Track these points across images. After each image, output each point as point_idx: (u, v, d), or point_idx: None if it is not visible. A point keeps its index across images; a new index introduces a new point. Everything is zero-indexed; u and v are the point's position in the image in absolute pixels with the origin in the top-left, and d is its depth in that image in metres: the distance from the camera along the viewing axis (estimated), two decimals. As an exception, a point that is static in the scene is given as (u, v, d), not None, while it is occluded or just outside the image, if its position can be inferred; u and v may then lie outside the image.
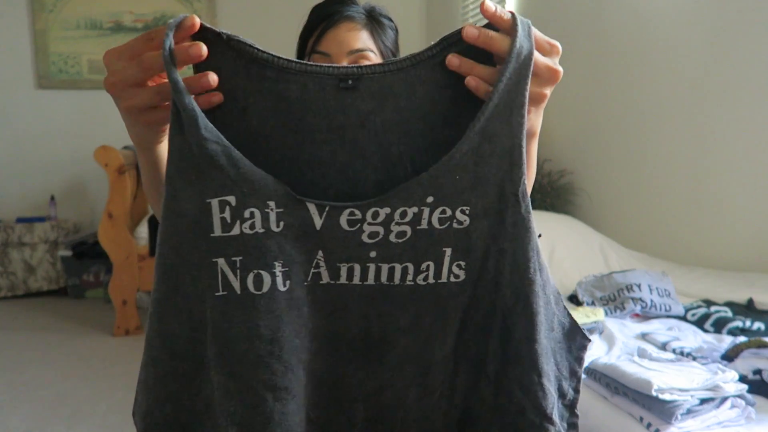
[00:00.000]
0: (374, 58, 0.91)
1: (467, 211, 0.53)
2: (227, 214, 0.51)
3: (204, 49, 0.50)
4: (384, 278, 0.54)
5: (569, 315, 0.59)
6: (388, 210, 0.52)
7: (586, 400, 1.28)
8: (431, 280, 0.55)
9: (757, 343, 1.32)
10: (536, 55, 0.53)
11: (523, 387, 0.55)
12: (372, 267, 0.54)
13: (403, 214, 0.52)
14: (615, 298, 1.94)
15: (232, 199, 0.51)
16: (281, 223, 0.52)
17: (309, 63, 0.54)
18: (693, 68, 2.37)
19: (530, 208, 0.54)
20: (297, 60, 0.54)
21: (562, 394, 0.59)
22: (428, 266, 0.54)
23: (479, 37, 0.52)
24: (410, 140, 0.55)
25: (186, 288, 0.53)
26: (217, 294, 0.52)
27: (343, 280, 0.54)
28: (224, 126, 0.53)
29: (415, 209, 0.52)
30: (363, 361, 0.56)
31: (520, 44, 0.51)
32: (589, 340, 0.60)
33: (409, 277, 0.54)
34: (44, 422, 2.24)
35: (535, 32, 0.54)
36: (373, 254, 0.53)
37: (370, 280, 0.54)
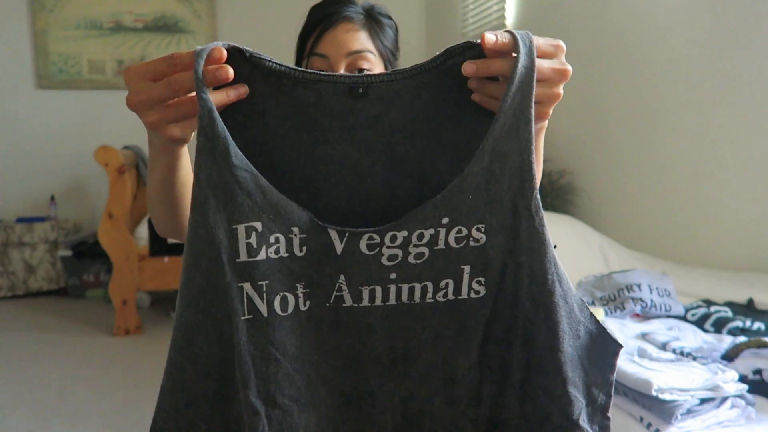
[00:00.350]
0: (373, 59, 0.90)
1: (483, 229, 0.55)
2: (253, 240, 0.53)
3: (230, 72, 0.52)
4: (405, 298, 0.56)
5: (596, 321, 0.60)
6: (405, 233, 0.54)
7: (586, 400, 1.28)
8: (451, 297, 0.57)
9: (757, 343, 1.32)
10: (539, 61, 0.54)
11: (549, 394, 0.57)
12: (393, 288, 0.56)
13: (420, 236, 0.54)
14: (615, 298, 1.94)
15: (258, 225, 0.52)
16: (304, 248, 0.54)
17: (322, 73, 0.57)
18: (693, 68, 2.38)
19: (544, 221, 0.55)
20: (311, 71, 0.57)
21: (592, 400, 0.60)
22: (447, 284, 0.56)
23: (478, 69, 0.54)
24: (416, 140, 0.58)
25: (215, 312, 0.54)
26: (243, 318, 0.54)
27: (365, 302, 0.56)
28: (244, 127, 0.56)
29: (431, 231, 0.54)
30: (389, 374, 0.58)
31: (522, 63, 0.52)
32: (620, 346, 0.60)
33: (429, 295, 0.56)
34: (44, 422, 2.24)
35: (536, 40, 0.55)
36: (393, 276, 0.55)
37: (392, 301, 0.56)
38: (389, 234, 0.54)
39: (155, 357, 2.95)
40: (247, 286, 0.53)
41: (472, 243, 0.55)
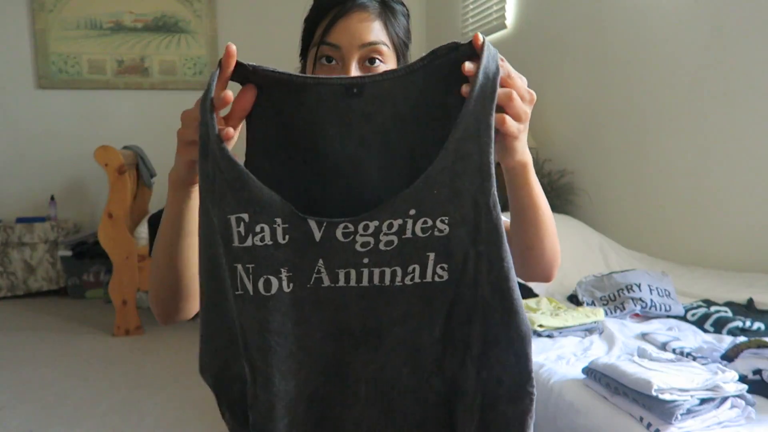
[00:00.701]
0: (386, 51, 0.86)
1: (446, 221, 0.61)
2: (242, 228, 0.61)
3: (230, 95, 0.62)
4: (376, 280, 0.63)
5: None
6: (376, 223, 0.61)
7: (586, 400, 1.28)
8: (417, 280, 0.63)
9: (757, 343, 1.32)
10: (516, 80, 0.62)
11: (502, 363, 0.64)
12: (366, 271, 0.63)
13: (390, 226, 0.61)
14: (615, 298, 1.94)
15: (245, 216, 0.60)
16: (287, 237, 0.61)
17: (322, 77, 0.64)
18: (693, 68, 2.38)
19: (500, 216, 0.62)
20: (312, 76, 0.65)
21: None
22: (414, 269, 0.63)
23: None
24: (407, 134, 0.66)
25: (221, 285, 0.64)
26: (236, 293, 0.62)
27: (341, 283, 0.63)
28: (264, 124, 0.65)
29: (399, 221, 0.61)
30: (363, 348, 0.66)
31: (482, 73, 0.59)
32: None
33: (398, 278, 0.63)
34: (44, 422, 2.24)
35: (505, 64, 0.62)
36: (366, 260, 0.62)
37: (365, 283, 0.63)
38: (362, 223, 0.61)
39: (155, 357, 2.95)
40: (239, 267, 0.61)
41: (436, 233, 0.62)
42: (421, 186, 0.60)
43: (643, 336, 1.65)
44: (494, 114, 0.60)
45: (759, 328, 1.64)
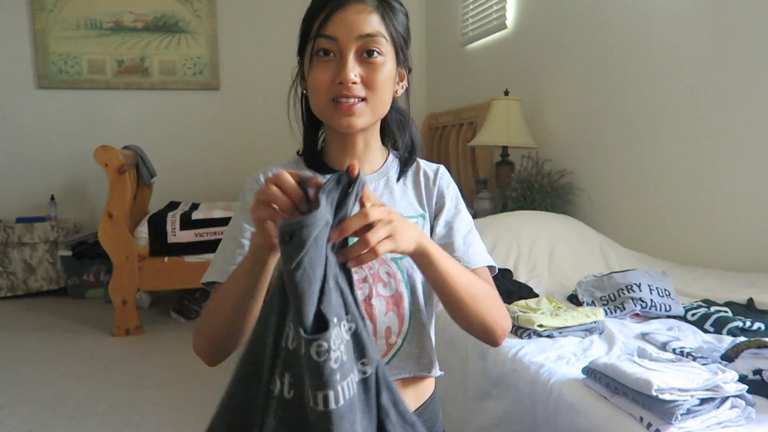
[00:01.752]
0: (384, 43, 0.86)
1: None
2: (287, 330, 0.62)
3: None
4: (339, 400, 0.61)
5: None
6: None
7: (586, 400, 1.28)
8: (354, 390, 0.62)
9: (757, 343, 1.32)
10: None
11: None
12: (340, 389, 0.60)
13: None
14: (615, 298, 1.94)
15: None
16: (294, 343, 0.60)
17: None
18: (693, 68, 2.37)
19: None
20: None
21: None
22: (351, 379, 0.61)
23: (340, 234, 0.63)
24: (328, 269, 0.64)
25: (262, 364, 0.65)
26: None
27: (332, 406, 0.58)
28: None
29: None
30: None
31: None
32: None
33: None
34: (44, 422, 2.24)
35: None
36: (338, 377, 0.59)
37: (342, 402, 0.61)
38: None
39: (155, 357, 2.95)
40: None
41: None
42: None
43: (643, 336, 1.65)
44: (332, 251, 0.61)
45: (759, 328, 1.64)
